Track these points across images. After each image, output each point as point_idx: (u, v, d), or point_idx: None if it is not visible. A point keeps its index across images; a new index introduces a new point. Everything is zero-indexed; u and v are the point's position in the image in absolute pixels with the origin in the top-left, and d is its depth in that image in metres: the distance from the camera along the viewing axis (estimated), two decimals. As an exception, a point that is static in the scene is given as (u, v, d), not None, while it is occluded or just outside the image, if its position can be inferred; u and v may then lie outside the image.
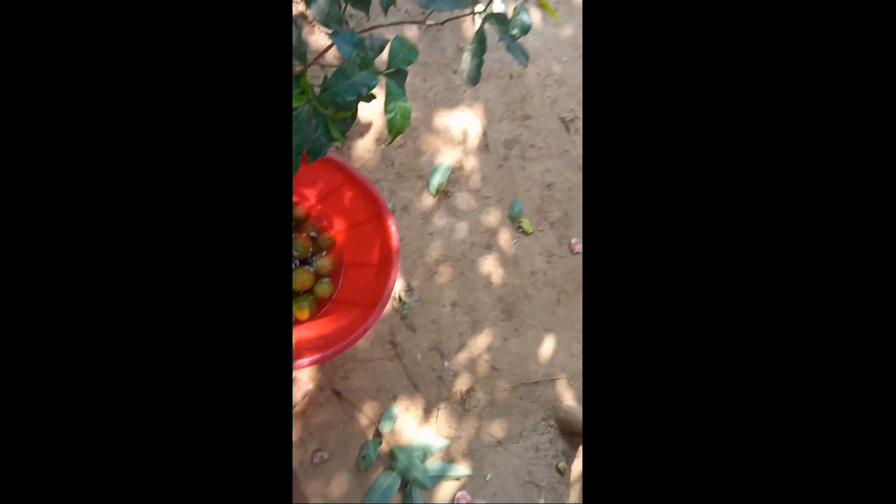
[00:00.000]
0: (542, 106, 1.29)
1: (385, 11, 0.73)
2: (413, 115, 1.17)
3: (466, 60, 0.71)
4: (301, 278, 0.90)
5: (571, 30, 1.35)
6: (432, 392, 1.08)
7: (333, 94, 0.55)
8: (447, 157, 1.18)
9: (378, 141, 1.13)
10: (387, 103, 0.63)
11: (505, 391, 1.14)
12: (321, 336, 0.81)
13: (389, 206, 1.10)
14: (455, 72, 1.22)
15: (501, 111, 1.26)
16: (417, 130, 1.17)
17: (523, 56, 0.71)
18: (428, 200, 1.15)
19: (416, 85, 1.19)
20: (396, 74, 0.66)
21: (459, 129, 1.21)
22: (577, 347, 1.20)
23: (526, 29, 0.74)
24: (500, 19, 0.70)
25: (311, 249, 0.92)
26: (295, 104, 0.51)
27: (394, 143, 1.13)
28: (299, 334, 0.86)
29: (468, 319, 1.14)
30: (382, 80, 0.62)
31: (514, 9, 0.74)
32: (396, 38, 0.64)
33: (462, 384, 1.11)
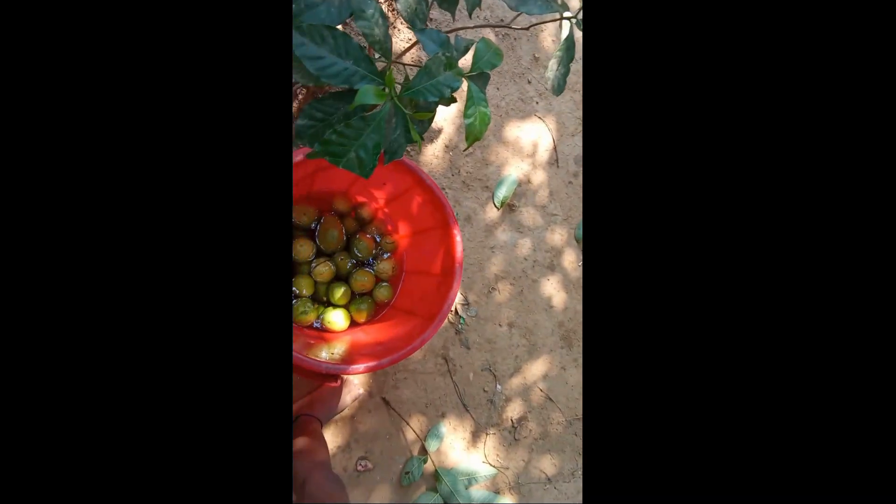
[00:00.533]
0: (619, 122, 1.22)
1: (470, 13, 0.71)
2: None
3: (553, 68, 0.67)
4: (361, 280, 0.89)
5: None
6: (482, 415, 1.03)
7: (416, 93, 0.53)
8: (515, 170, 1.14)
9: (447, 147, 1.11)
10: (467, 107, 0.60)
11: (559, 425, 1.06)
12: (378, 342, 0.79)
13: (452, 216, 1.07)
14: (529, 82, 1.18)
15: (574, 125, 1.20)
16: (487, 139, 1.14)
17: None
18: (492, 213, 1.11)
19: (489, 93, 1.16)
20: (479, 78, 0.63)
21: (530, 141, 1.16)
22: (643, 384, 1.10)
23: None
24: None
25: (373, 252, 0.91)
26: (377, 101, 0.49)
27: (462, 151, 1.10)
28: (355, 337, 0.85)
29: (525, 343, 1.08)
30: (462, 83, 0.59)
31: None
32: (482, 40, 0.62)
33: (514, 411, 1.04)
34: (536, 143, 1.17)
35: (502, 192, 1.11)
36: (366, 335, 0.84)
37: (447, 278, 0.78)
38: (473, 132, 0.61)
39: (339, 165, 0.52)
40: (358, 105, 0.49)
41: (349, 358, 0.75)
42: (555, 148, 1.18)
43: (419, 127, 0.60)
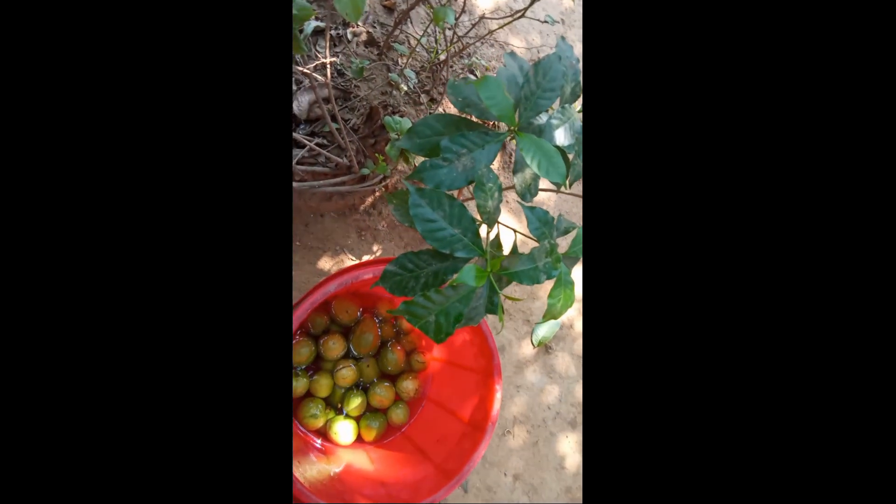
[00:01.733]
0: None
1: (570, 185, 0.72)
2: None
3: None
4: (381, 395, 0.83)
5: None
6: (461, 575, 0.91)
7: (514, 276, 0.51)
8: (560, 312, 1.11)
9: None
10: (554, 288, 0.58)
11: None
12: (381, 482, 0.72)
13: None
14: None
15: (629, 282, 1.18)
16: (540, 275, 1.12)
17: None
18: (527, 350, 1.07)
19: (562, 241, 1.17)
20: (571, 260, 0.62)
21: (581, 286, 1.14)
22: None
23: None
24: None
25: (402, 368, 0.87)
26: (478, 284, 0.47)
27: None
28: (357, 459, 0.78)
29: (526, 501, 0.98)
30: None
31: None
32: (585, 226, 0.61)
33: (497, 580, 0.93)
34: (587, 290, 1.15)
35: (542, 332, 1.07)
36: (369, 463, 0.77)
37: (475, 433, 0.72)
38: (553, 313, 0.58)
39: (415, 326, 0.49)
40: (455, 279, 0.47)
41: (347, 491, 0.68)
42: (604, 299, 1.15)
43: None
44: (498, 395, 0.72)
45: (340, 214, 0.98)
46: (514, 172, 0.59)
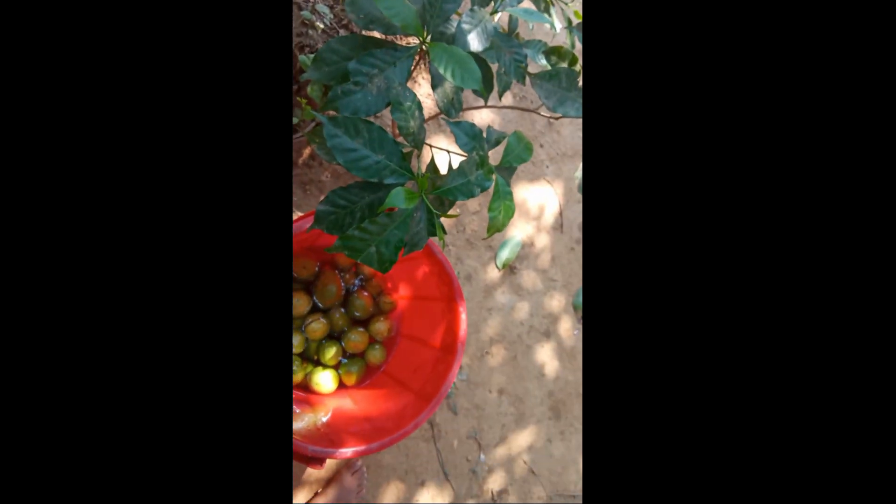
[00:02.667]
0: (626, 193, 1.22)
1: (500, 95, 0.70)
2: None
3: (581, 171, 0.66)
4: (355, 340, 0.85)
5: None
6: (462, 485, 0.99)
7: (447, 192, 0.51)
8: (519, 232, 1.13)
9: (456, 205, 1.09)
10: (493, 201, 0.58)
11: (539, 499, 1.03)
12: (366, 417, 0.75)
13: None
14: (542, 146, 1.18)
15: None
16: (494, 200, 1.12)
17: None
18: (493, 273, 1.09)
19: (495, 154, 1.16)
20: (506, 171, 0.62)
21: (536, 204, 1.16)
22: (626, 462, 1.08)
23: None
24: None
25: (371, 311, 0.88)
26: (408, 205, 0.46)
27: (470, 211, 1.08)
28: (342, 405, 0.80)
29: (513, 411, 1.05)
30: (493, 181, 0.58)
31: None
32: (515, 134, 0.60)
33: (495, 483, 1.01)
34: (543, 207, 1.16)
35: (505, 254, 1.09)
36: (354, 404, 0.80)
37: (447, 356, 0.75)
38: (496, 225, 0.59)
39: (357, 259, 0.49)
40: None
41: (335, 433, 0.71)
42: (560, 213, 1.18)
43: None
44: (463, 317, 0.74)
45: (279, 171, 0.94)
46: (433, 88, 0.57)
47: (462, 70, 0.49)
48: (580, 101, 0.60)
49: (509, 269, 1.10)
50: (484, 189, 0.53)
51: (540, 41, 0.71)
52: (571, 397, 1.10)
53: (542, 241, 1.15)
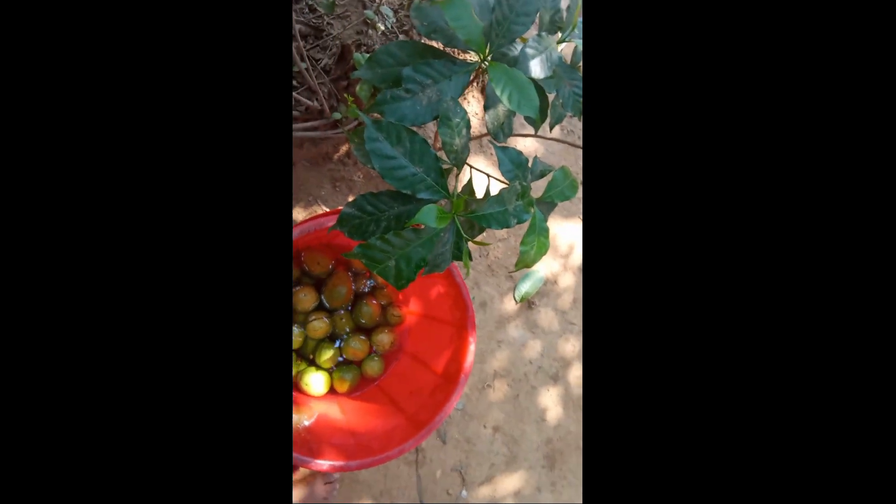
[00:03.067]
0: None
1: (552, 127, 0.67)
2: (526, 213, 1.10)
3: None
4: (355, 347, 0.82)
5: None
6: (439, 520, 0.94)
7: (481, 218, 0.48)
8: (544, 267, 1.09)
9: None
10: (527, 234, 0.55)
11: (517, 551, 0.97)
12: (351, 431, 0.71)
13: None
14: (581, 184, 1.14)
15: (617, 238, 1.16)
16: (524, 229, 1.09)
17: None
18: (509, 305, 1.05)
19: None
20: (546, 206, 0.58)
21: (566, 242, 1.12)
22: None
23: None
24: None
25: (377, 321, 0.85)
26: (439, 225, 0.43)
27: (497, 238, 1.05)
28: (329, 411, 0.77)
29: (506, 452, 1.00)
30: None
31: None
32: (562, 169, 0.57)
33: (474, 525, 0.95)
34: (573, 246, 1.12)
35: (525, 287, 1.05)
36: (341, 414, 0.76)
37: (448, 385, 0.71)
38: (526, 261, 0.55)
39: (374, 271, 0.46)
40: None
41: (315, 442, 0.67)
42: (590, 255, 1.13)
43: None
44: (471, 348, 0.71)
45: (313, 163, 0.93)
46: (486, 109, 0.54)
47: (520, 95, 0.46)
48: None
49: (527, 303, 1.06)
50: (521, 221, 0.49)
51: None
52: (570, 449, 1.04)
53: (567, 280, 1.10)
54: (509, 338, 1.04)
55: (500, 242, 1.06)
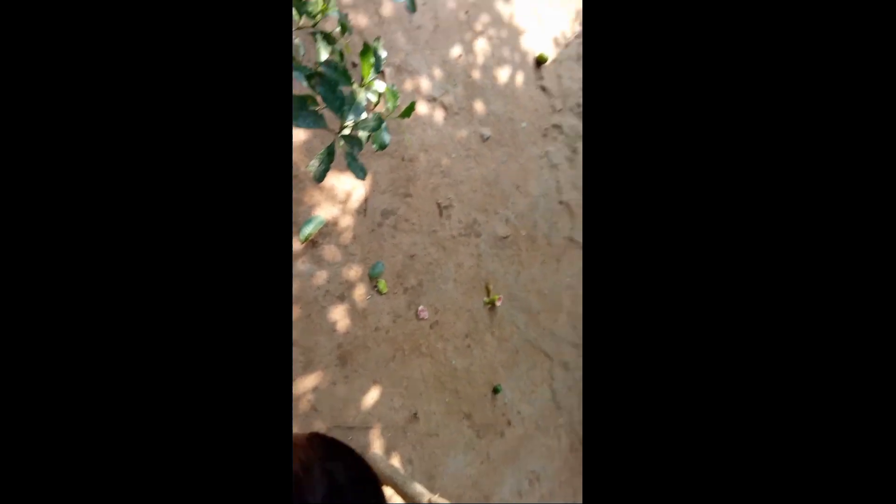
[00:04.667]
0: (423, 189, 1.50)
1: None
2: (303, 170, 1.32)
3: (314, 164, 0.88)
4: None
5: (466, 132, 1.59)
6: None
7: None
8: (324, 212, 1.34)
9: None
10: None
11: (318, 429, 1.27)
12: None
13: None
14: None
15: (387, 184, 1.45)
16: (303, 183, 1.32)
17: (361, 171, 0.89)
18: (294, 245, 1.29)
19: (314, 144, 1.35)
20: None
21: (344, 190, 1.37)
22: (399, 401, 1.37)
23: (384, 145, 0.93)
24: (353, 141, 0.88)
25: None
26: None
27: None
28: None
29: (302, 359, 1.27)
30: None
31: (375, 133, 0.92)
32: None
33: (279, 415, 1.22)
34: (350, 193, 1.38)
35: (308, 229, 1.29)
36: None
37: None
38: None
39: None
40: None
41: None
42: (366, 200, 1.41)
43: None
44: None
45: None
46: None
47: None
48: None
49: (311, 242, 1.31)
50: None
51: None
52: (358, 349, 1.35)
53: (346, 221, 1.37)
54: (297, 271, 1.29)
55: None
